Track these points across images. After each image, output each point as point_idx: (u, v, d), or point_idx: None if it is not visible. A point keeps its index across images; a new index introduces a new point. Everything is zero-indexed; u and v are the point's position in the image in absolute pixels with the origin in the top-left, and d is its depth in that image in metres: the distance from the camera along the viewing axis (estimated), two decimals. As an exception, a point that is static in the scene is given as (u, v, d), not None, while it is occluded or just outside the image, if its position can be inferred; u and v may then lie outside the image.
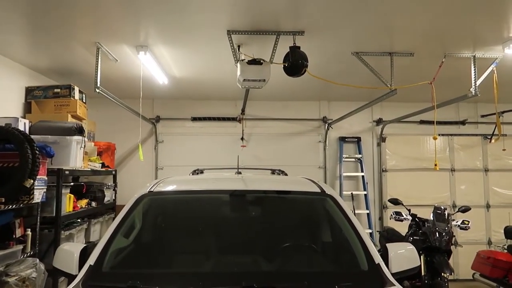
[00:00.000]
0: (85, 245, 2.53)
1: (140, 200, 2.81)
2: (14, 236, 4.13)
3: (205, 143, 7.86)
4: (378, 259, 2.38)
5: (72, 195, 5.13)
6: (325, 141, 8.00)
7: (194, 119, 7.91)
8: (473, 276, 5.94)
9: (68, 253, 2.38)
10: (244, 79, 4.30)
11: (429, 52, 4.81)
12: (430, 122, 7.74)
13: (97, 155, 6.30)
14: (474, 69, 4.93)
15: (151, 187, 2.95)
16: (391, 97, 5.30)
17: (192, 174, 4.31)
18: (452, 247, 4.99)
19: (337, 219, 2.73)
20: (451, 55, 4.89)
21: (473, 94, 4.97)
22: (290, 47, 4.26)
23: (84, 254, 2.43)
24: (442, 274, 4.41)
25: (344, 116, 7.14)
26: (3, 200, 3.70)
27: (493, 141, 7.22)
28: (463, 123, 7.96)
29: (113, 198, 6.83)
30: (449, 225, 5.01)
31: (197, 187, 3.11)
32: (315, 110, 8.11)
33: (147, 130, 7.83)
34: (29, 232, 4.38)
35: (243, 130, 7.86)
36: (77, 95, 5.65)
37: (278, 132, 8.03)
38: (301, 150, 7.98)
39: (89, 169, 5.72)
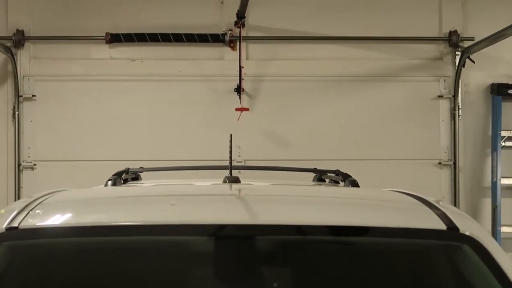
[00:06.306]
0: None
1: None
2: None
3: (144, 104, 7.49)
4: None
5: None
6: (456, 96, 7.43)
7: (115, 39, 7.43)
8: None
9: None
10: None
11: None
12: None
13: None
14: None
15: (15, 217, 2.57)
16: None
17: (114, 184, 3.78)
18: None
19: None
20: None
21: None
22: None
23: None
24: None
25: (503, 30, 6.48)
26: None
27: None
28: None
29: None
30: None
31: (132, 217, 2.80)
32: (428, 15, 7.52)
33: (-7, 69, 7.75)
34: None
35: (240, 69, 7.25)
36: None
37: (332, 74, 7.50)
38: (393, 120, 7.47)
39: None
